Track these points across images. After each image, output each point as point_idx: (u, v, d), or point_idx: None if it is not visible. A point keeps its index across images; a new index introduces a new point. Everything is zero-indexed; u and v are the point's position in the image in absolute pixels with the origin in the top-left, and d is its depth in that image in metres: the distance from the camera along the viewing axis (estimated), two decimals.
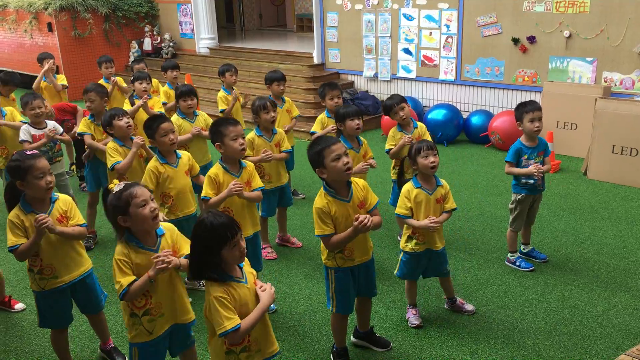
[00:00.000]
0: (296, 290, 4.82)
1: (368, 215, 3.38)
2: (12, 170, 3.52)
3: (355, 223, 3.34)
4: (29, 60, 8.75)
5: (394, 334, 4.18)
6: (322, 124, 5.75)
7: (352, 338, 4.09)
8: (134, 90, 6.75)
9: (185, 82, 8.72)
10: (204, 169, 5.45)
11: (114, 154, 4.87)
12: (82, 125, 5.65)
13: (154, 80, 7.92)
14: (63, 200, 3.65)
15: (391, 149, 5.25)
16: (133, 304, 3.11)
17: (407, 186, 4.10)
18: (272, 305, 4.46)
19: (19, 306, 4.70)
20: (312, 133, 5.74)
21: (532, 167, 4.73)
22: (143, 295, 3.10)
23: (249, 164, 4.30)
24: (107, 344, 4.03)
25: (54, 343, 3.85)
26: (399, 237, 5.65)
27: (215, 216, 2.76)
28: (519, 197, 4.93)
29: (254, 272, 3.06)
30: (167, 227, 3.27)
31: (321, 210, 3.45)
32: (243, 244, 2.79)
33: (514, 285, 4.76)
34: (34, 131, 5.73)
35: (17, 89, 7.49)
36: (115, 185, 3.12)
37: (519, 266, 4.99)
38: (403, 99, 5.30)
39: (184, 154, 4.61)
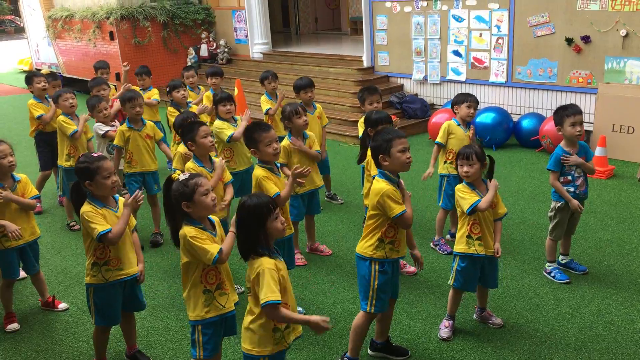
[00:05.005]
0: (321, 297, 4.79)
1: None
2: (81, 171, 3.71)
3: None
4: (92, 68, 9.21)
5: (415, 346, 4.07)
6: None
7: (369, 351, 4.02)
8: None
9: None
10: (246, 173, 5.64)
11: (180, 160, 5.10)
12: (119, 138, 5.79)
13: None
14: (121, 201, 3.85)
15: (441, 142, 5.32)
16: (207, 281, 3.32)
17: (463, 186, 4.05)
18: (300, 309, 4.51)
19: (62, 306, 4.88)
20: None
21: (575, 203, 4.63)
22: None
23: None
24: (133, 348, 4.14)
25: (97, 339, 3.98)
26: (449, 237, 5.55)
27: (255, 196, 3.01)
28: (559, 204, 4.74)
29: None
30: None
31: (392, 190, 3.50)
32: (282, 218, 2.99)
33: (547, 298, 4.56)
34: (105, 128, 6.29)
35: (80, 94, 7.77)
36: (180, 174, 3.35)
37: (553, 277, 4.78)
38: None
39: (218, 161, 4.74)
